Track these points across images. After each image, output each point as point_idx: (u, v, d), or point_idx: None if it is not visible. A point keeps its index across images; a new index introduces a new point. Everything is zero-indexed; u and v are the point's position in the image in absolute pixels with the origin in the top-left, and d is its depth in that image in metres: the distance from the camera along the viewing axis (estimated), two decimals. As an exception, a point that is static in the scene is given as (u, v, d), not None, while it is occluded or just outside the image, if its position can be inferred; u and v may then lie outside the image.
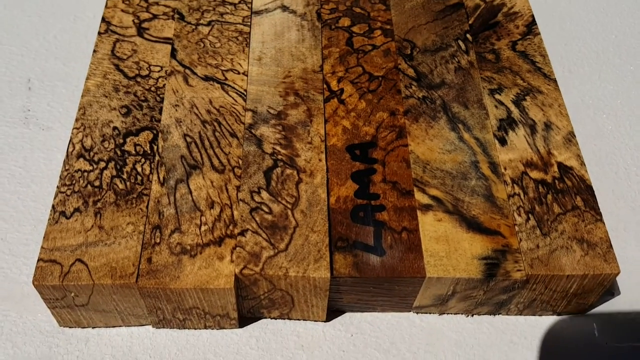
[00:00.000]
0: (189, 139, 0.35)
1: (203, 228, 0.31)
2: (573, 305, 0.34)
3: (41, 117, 0.42)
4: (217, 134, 0.35)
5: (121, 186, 0.32)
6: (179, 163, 0.34)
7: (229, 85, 0.38)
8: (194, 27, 0.40)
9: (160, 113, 0.36)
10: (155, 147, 0.34)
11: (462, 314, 0.34)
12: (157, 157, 0.34)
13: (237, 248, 0.30)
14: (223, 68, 0.38)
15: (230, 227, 0.31)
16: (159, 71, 0.38)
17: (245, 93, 0.37)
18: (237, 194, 0.33)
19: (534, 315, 0.34)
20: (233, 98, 0.37)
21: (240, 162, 0.34)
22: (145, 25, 0.40)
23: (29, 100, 0.43)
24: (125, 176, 0.33)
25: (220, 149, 0.35)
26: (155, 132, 0.35)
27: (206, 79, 0.38)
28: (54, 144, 0.41)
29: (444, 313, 0.34)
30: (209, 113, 0.36)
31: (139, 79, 0.37)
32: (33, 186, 0.38)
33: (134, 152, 0.34)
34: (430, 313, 0.34)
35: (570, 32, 0.51)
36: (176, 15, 0.41)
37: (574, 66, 0.48)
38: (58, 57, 0.46)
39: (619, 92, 0.47)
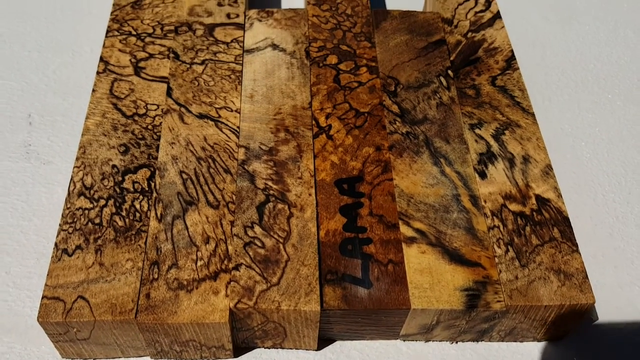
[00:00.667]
0: (185, 176, 0.36)
1: (199, 263, 0.33)
2: (552, 332, 0.35)
3: (42, 151, 0.44)
4: (211, 170, 0.37)
5: (120, 223, 0.34)
6: (175, 199, 0.35)
7: (222, 123, 0.39)
8: (188, 66, 0.42)
9: (157, 151, 0.37)
10: (152, 184, 0.36)
11: (446, 341, 0.36)
12: (154, 194, 0.35)
13: (232, 282, 0.32)
14: (217, 106, 0.40)
15: (225, 262, 0.33)
16: (155, 109, 0.40)
17: (238, 130, 0.39)
18: (231, 229, 0.34)
19: (515, 341, 0.36)
20: (227, 135, 0.39)
21: (234, 197, 0.36)
22: (141, 64, 0.42)
23: (30, 135, 0.45)
24: (124, 213, 0.34)
25: (215, 185, 0.36)
26: (152, 169, 0.36)
27: (201, 116, 0.40)
28: (54, 178, 0.42)
29: (430, 340, 0.36)
30: (204, 150, 0.38)
31: (136, 118, 0.39)
32: (35, 220, 0.40)
33: (132, 189, 0.36)
34: (416, 340, 0.36)
35: (550, 62, 0.53)
36: (171, 55, 0.43)
37: (554, 95, 0.50)
38: (57, 92, 0.47)
39: (597, 120, 0.49)
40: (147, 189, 0.36)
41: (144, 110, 0.39)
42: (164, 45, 0.43)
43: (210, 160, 0.37)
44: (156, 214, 0.35)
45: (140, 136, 0.38)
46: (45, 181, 0.42)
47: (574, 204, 0.43)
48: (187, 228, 0.34)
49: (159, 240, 0.34)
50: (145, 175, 0.36)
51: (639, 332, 0.38)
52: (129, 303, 0.31)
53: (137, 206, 0.35)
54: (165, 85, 0.41)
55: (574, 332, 0.37)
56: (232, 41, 0.44)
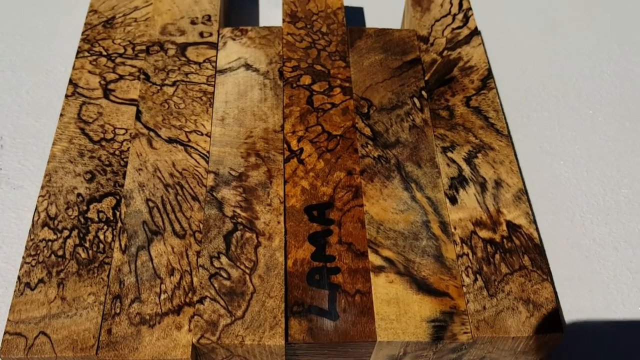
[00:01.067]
0: (151, 204, 0.36)
1: (162, 297, 0.32)
2: (523, 360, 0.35)
3: (12, 175, 0.43)
4: (179, 197, 0.36)
5: (83, 255, 0.34)
6: (140, 229, 0.35)
7: (192, 147, 0.39)
8: (159, 87, 0.42)
9: (124, 178, 0.37)
10: (117, 214, 0.35)
11: (416, 369, 0.35)
12: (119, 224, 0.35)
13: (195, 317, 0.32)
14: (187, 129, 0.40)
15: (190, 295, 0.33)
16: (123, 134, 0.39)
17: (207, 155, 0.39)
18: (197, 260, 0.34)
19: (486, 369, 0.36)
20: (196, 160, 0.38)
21: (201, 226, 0.35)
22: (111, 86, 0.42)
23: (1, 158, 0.44)
24: (87, 244, 0.34)
25: (182, 213, 0.36)
26: (118, 197, 0.36)
27: (170, 141, 0.39)
28: (24, 204, 0.42)
29: (399, 369, 0.35)
30: (172, 176, 0.37)
31: (103, 143, 0.39)
32: (4, 247, 0.40)
33: (97, 219, 0.35)
34: (386, 369, 0.35)
35: (531, 76, 0.53)
36: (142, 76, 0.42)
37: (534, 112, 0.50)
38: (30, 114, 0.47)
39: (577, 137, 0.48)
40: (112, 218, 0.35)
41: (111, 135, 0.39)
42: (135, 66, 0.43)
43: (178, 187, 0.37)
44: (120, 245, 0.34)
45: (107, 162, 0.38)
46: (15, 207, 0.42)
47: (550, 226, 0.43)
48: (151, 259, 0.34)
49: (122, 272, 0.33)
50: (111, 204, 0.36)
51: (611, 356, 0.37)
52: (90, 339, 0.31)
53: (101, 237, 0.34)
54: (134, 108, 0.40)
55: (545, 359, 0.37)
56: (204, 61, 0.44)
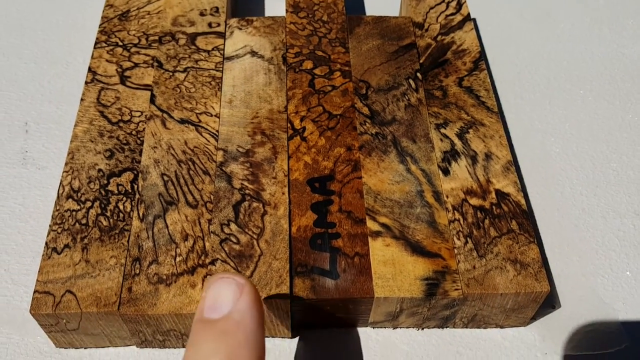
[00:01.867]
0: (166, 178, 0.39)
1: (178, 259, 0.35)
2: (513, 319, 0.37)
3: (37, 157, 0.47)
4: (191, 172, 0.40)
5: (105, 223, 0.37)
6: (157, 200, 0.38)
7: (202, 127, 0.42)
8: (171, 74, 0.45)
9: (141, 155, 0.40)
10: (135, 187, 0.38)
11: (413, 327, 0.38)
12: (137, 196, 0.38)
13: (208, 276, 0.35)
14: (197, 111, 0.43)
15: (202, 257, 0.36)
16: (139, 116, 0.42)
17: (217, 134, 0.42)
18: (208, 227, 0.37)
19: (478, 327, 0.38)
20: (206, 139, 0.41)
21: (212, 197, 0.38)
22: (127, 73, 0.45)
23: (26, 142, 0.48)
24: (108, 214, 0.37)
25: (194, 186, 0.39)
26: (135, 172, 0.39)
27: (182, 122, 0.42)
28: (49, 183, 0.45)
29: (397, 327, 0.38)
30: (184, 153, 0.40)
31: (121, 124, 0.42)
32: (31, 222, 0.43)
33: (116, 191, 0.38)
34: (384, 327, 0.38)
35: (523, 60, 0.55)
36: (155, 63, 0.45)
37: (526, 93, 0.52)
38: (52, 101, 0.50)
39: (568, 116, 0.51)
40: (130, 191, 0.38)
41: (128, 117, 0.42)
42: (148, 55, 0.46)
43: (190, 163, 0.40)
44: (138, 214, 0.37)
45: (124, 141, 0.41)
46: (41, 185, 0.45)
47: (541, 198, 0.45)
48: (167, 227, 0.37)
49: (140, 238, 0.36)
50: (129, 178, 0.39)
51: (599, 319, 0.40)
52: (112, 296, 0.34)
53: (121, 207, 0.37)
54: (149, 93, 0.43)
55: (536, 319, 0.39)
56: (213, 49, 0.47)
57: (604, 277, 0.42)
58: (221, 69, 0.45)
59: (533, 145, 0.49)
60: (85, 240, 0.36)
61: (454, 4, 0.50)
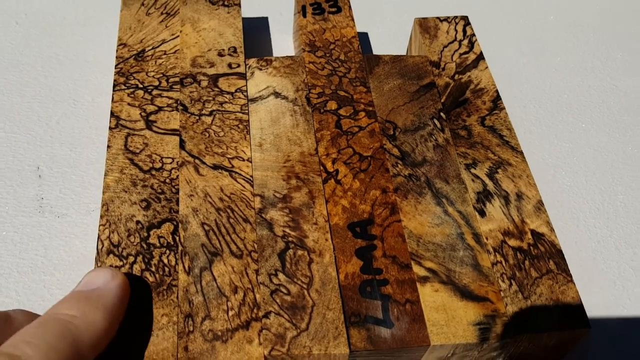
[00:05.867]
0: (207, 227, 0.38)
1: (230, 313, 0.35)
2: (554, 354, 0.39)
3: (55, 204, 0.45)
4: (231, 220, 0.39)
5: (151, 279, 0.36)
6: (200, 251, 0.37)
7: (236, 173, 0.41)
8: (197, 117, 0.44)
9: (177, 204, 0.39)
10: (177, 238, 0.38)
11: (458, 368, 0.39)
12: (180, 247, 0.37)
13: (264, 330, 0.34)
14: (229, 156, 0.42)
15: (255, 310, 0.35)
16: (170, 163, 0.41)
17: (251, 179, 0.41)
18: (256, 278, 0.37)
19: (519, 364, 0.39)
20: (241, 184, 0.41)
21: (256, 246, 0.38)
22: (152, 117, 0.44)
23: (41, 188, 0.46)
24: (153, 269, 0.36)
25: (236, 235, 0.38)
26: (175, 223, 0.38)
27: (215, 167, 0.42)
28: (71, 231, 0.43)
29: (443, 369, 0.39)
30: (222, 200, 0.40)
31: (153, 172, 0.41)
32: (57, 274, 0.41)
33: (158, 244, 0.37)
34: (430, 370, 0.39)
35: (527, 94, 0.57)
36: (180, 107, 0.45)
37: (534, 127, 0.54)
38: (64, 143, 0.49)
39: (574, 149, 0.53)
40: (172, 243, 0.37)
41: (160, 164, 0.41)
42: (172, 98, 0.45)
43: (229, 211, 0.39)
44: (184, 266, 0.36)
45: (159, 190, 0.40)
46: (62, 235, 0.43)
47: (560, 231, 0.47)
48: (215, 279, 0.36)
49: (189, 292, 0.35)
50: (169, 229, 0.38)
51: (625, 347, 0.42)
52: (169, 357, 0.33)
53: (165, 261, 0.37)
54: (177, 138, 0.43)
55: (571, 352, 0.41)
56: (236, 91, 0.46)
57: (624, 307, 0.44)
58: (247, 111, 0.45)
59: (547, 180, 0.50)
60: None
61: (466, 42, 0.52)
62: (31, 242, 0.43)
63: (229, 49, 0.49)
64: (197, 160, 0.42)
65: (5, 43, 0.56)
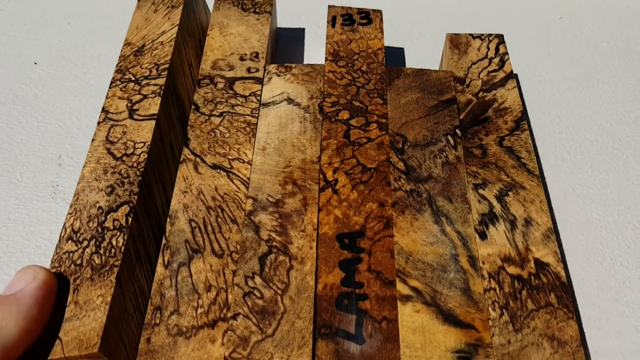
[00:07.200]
0: (193, 224, 0.38)
1: (199, 310, 0.34)
2: (546, 397, 0.35)
3: (68, 192, 0.46)
4: (219, 219, 0.39)
5: (97, 261, 0.35)
6: (183, 247, 0.37)
7: (234, 174, 0.41)
8: (207, 117, 0.45)
9: (138, 186, 0.38)
10: (129, 220, 0.36)
11: (440, 400, 0.36)
12: (163, 241, 0.37)
13: (229, 331, 0.33)
14: (230, 157, 0.42)
15: (224, 311, 0.34)
16: (141, 147, 0.40)
17: (248, 181, 0.41)
18: (232, 278, 0.36)
19: (509, 404, 0.36)
20: (236, 186, 0.41)
21: (238, 247, 0.37)
22: (136, 106, 0.43)
23: (58, 176, 0.48)
24: (102, 251, 0.35)
25: (221, 234, 0.38)
26: (132, 205, 0.37)
27: (214, 167, 0.42)
28: (76, 219, 0.45)
29: (423, 398, 0.36)
30: (214, 200, 0.40)
31: (124, 158, 0.40)
32: (55, 258, 0.42)
33: (112, 227, 0.37)
34: (409, 398, 0.36)
35: (565, 120, 0.54)
36: (192, 106, 0.45)
37: (567, 154, 0.51)
38: (87, 136, 0.51)
39: (610, 181, 0.49)
40: (124, 224, 0.37)
41: (132, 150, 0.41)
42: (157, 84, 0.44)
43: (219, 210, 0.39)
44: (163, 260, 0.36)
45: (125, 175, 0.39)
46: (68, 221, 0.44)
47: (580, 267, 0.43)
48: (191, 275, 0.36)
49: (163, 286, 0.35)
50: (125, 212, 0.37)
51: (640, 403, 0.37)
52: (94, 337, 0.32)
53: (114, 242, 0.36)
54: (153, 123, 0.42)
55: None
56: (250, 95, 0.46)
57: (645, 357, 0.39)
58: (257, 115, 0.45)
59: (573, 210, 0.47)
60: (77, 282, 0.35)
61: (496, 60, 0.49)
62: (39, 225, 0.44)
63: (251, 54, 0.50)
64: (197, 159, 0.42)
65: (55, 41, 0.60)
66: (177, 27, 0.49)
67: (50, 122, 0.52)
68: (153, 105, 0.43)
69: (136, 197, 0.38)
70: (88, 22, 0.62)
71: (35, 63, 0.57)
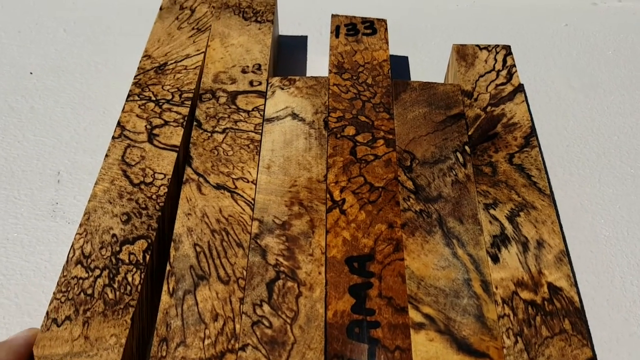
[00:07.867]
0: (198, 249, 0.37)
1: (206, 342, 0.33)
2: None
3: (67, 210, 0.45)
4: (224, 243, 0.38)
5: (111, 296, 0.34)
6: (188, 273, 0.36)
7: (238, 194, 0.40)
8: (209, 134, 0.43)
9: (157, 222, 0.38)
10: (147, 257, 0.36)
11: None
12: (168, 267, 0.36)
13: None
14: (234, 176, 0.41)
15: (232, 341, 0.34)
16: (161, 179, 0.40)
17: (252, 202, 0.40)
18: (240, 307, 0.35)
19: None
20: (241, 207, 0.40)
21: (245, 272, 0.36)
22: (156, 131, 0.43)
23: (58, 193, 0.46)
24: (116, 285, 0.35)
25: (227, 259, 0.37)
26: (149, 241, 0.37)
27: (218, 187, 0.40)
28: (76, 239, 0.43)
29: None
30: (219, 222, 0.39)
31: (142, 186, 0.40)
32: (57, 280, 0.41)
33: (127, 261, 0.36)
34: None
35: (572, 132, 0.53)
36: (194, 123, 0.44)
37: (575, 168, 0.50)
38: (86, 151, 0.49)
39: (619, 196, 0.48)
40: (141, 261, 0.36)
41: (150, 179, 0.40)
42: (180, 113, 0.44)
43: (224, 233, 0.38)
44: (168, 287, 0.35)
45: (143, 205, 0.39)
46: (69, 241, 0.43)
47: (590, 285, 0.43)
48: (197, 304, 0.35)
49: (169, 315, 0.34)
50: (142, 247, 0.37)
51: None
52: None
53: (129, 279, 0.35)
54: (174, 155, 0.41)
55: None
56: (253, 109, 0.45)
57: (657, 379, 0.39)
58: (260, 131, 0.44)
59: (582, 227, 0.46)
60: (88, 314, 0.34)
61: (504, 72, 0.49)
62: (39, 245, 0.43)
63: (253, 66, 0.48)
64: (201, 179, 0.41)
65: (51, 49, 0.58)
66: (202, 55, 0.48)
67: (48, 135, 0.50)
68: (175, 136, 0.42)
69: (155, 233, 0.37)
70: (84, 29, 0.61)
71: (31, 73, 0.56)
